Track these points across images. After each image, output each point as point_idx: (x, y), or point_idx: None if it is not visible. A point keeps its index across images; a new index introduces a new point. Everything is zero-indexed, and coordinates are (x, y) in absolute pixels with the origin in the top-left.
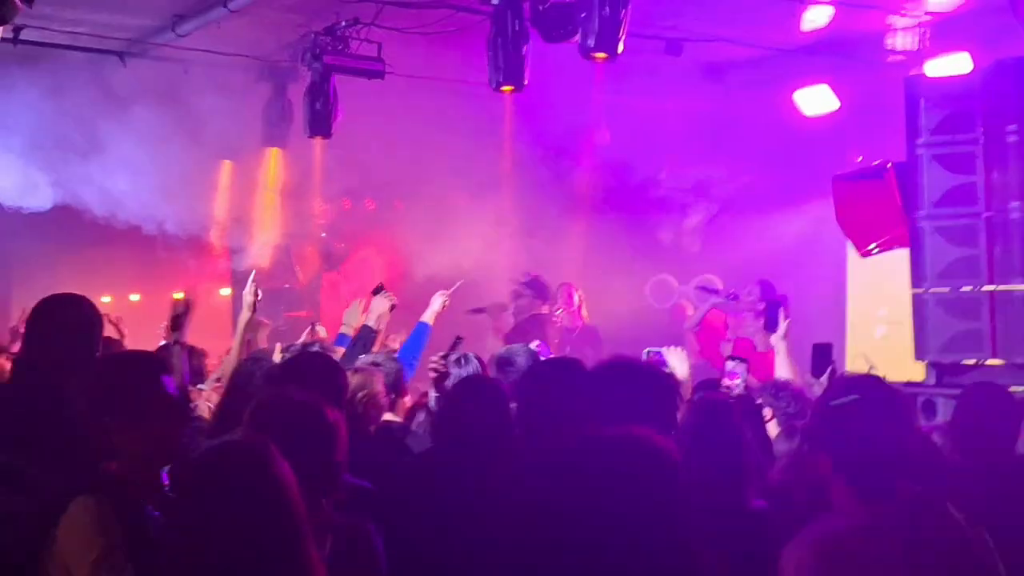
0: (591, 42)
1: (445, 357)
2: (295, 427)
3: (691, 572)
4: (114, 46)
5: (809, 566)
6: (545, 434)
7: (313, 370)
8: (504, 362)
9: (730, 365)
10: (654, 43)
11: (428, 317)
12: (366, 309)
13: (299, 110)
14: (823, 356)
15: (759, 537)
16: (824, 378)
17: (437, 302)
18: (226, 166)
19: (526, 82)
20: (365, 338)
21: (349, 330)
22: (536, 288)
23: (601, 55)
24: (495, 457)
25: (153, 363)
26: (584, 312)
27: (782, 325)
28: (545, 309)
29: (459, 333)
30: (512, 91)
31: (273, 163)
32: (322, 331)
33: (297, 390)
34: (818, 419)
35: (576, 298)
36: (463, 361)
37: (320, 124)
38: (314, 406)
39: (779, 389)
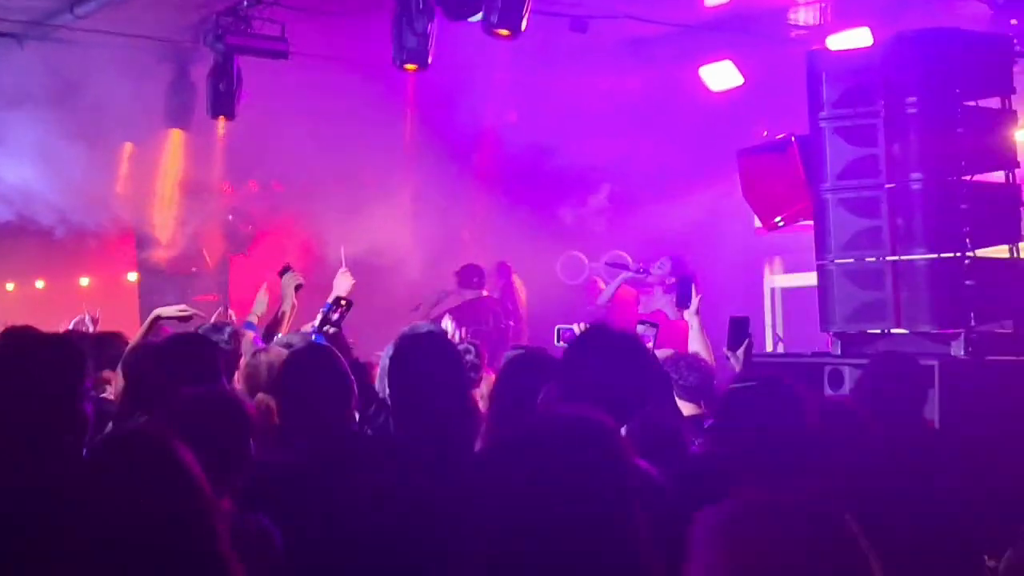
0: (494, 19)
1: None
2: (206, 415)
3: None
4: (11, 28)
5: (706, 541)
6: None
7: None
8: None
9: (640, 329)
10: (559, 21)
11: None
12: (273, 295)
13: (203, 92)
14: (740, 329)
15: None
16: (740, 351)
17: (345, 280)
18: (127, 149)
19: (430, 61)
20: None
21: (254, 318)
22: (464, 276)
23: (504, 32)
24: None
25: None
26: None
27: (694, 300)
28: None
29: None
30: (416, 70)
31: (176, 145)
32: (232, 315)
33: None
34: (721, 401)
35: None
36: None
37: (224, 105)
38: (228, 395)
39: (680, 359)
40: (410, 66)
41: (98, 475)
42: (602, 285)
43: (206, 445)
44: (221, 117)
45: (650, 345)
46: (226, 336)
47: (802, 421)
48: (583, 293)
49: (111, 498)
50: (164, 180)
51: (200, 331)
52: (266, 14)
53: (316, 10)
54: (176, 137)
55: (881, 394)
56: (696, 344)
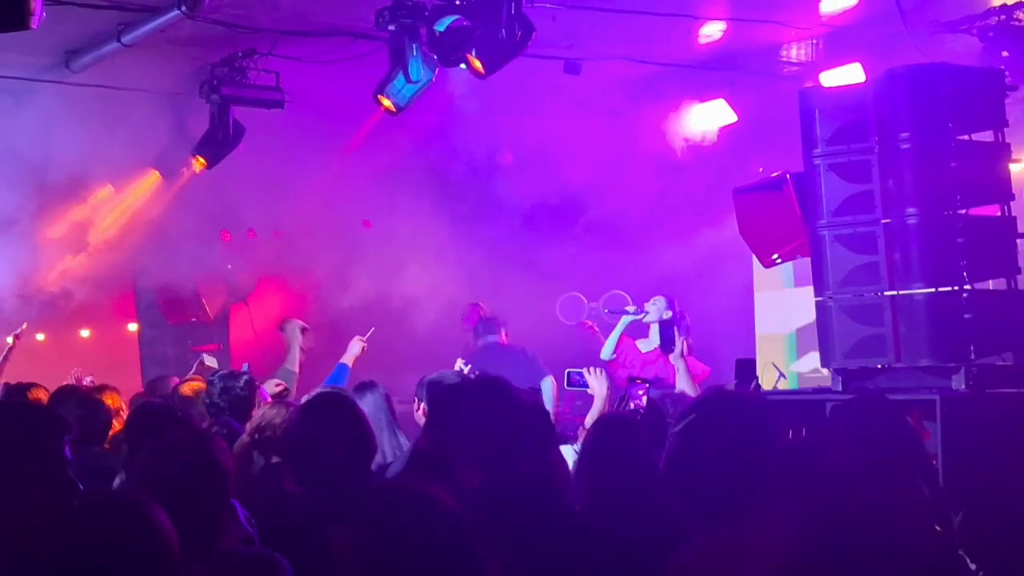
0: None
1: None
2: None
3: None
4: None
5: None
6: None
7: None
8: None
9: (634, 389)
10: (553, 63)
11: (347, 359)
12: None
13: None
14: (747, 371)
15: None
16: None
17: (356, 346)
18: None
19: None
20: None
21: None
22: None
23: (477, 64)
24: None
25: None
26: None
27: (678, 344)
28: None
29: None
30: (390, 110)
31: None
32: (212, 362)
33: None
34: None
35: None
36: None
37: (220, 154)
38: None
39: (666, 397)
40: (386, 102)
41: (72, 538)
42: (596, 328)
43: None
44: (197, 161)
45: (642, 401)
46: (241, 383)
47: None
48: (578, 333)
49: (85, 561)
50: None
51: (216, 377)
52: (261, 64)
53: (310, 59)
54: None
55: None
56: (683, 384)
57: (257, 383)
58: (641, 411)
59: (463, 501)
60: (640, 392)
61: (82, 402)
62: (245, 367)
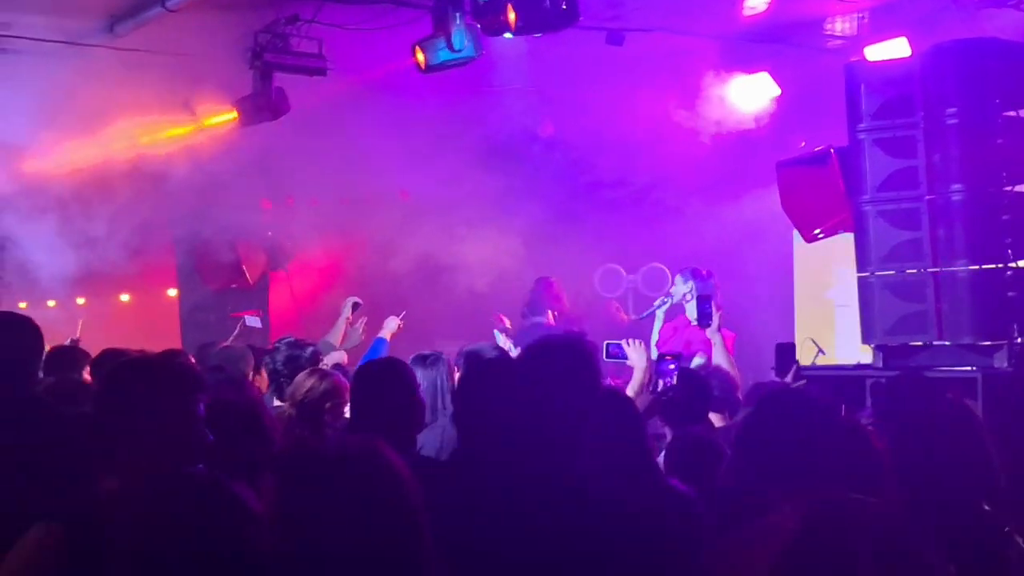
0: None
1: None
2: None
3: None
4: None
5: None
6: None
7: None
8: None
9: (664, 366)
10: (595, 34)
11: (385, 333)
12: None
13: (243, 109)
14: (787, 355)
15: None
16: (789, 376)
17: (392, 323)
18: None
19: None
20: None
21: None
22: (530, 305)
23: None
24: None
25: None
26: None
27: (715, 318)
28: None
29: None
30: (423, 63)
31: None
32: (256, 322)
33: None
34: (739, 427)
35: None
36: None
37: (259, 119)
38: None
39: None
40: (420, 55)
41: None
42: (616, 306)
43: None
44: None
45: (672, 379)
46: (307, 354)
47: (826, 432)
48: (608, 316)
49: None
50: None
51: (283, 343)
52: (303, 31)
53: (353, 27)
54: None
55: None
56: (720, 359)
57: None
58: (672, 388)
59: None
60: (671, 367)
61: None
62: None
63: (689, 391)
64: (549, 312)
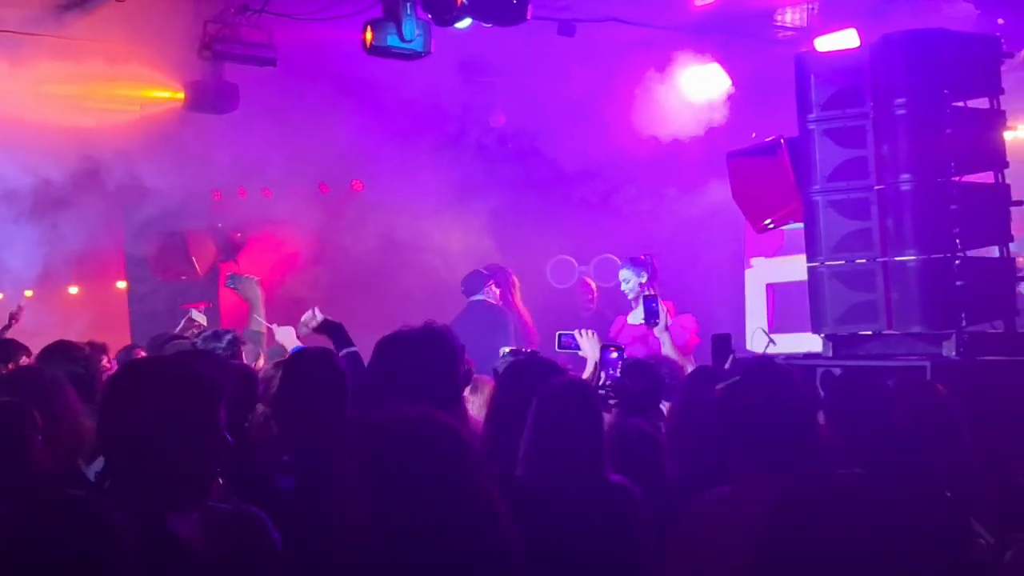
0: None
1: None
2: None
3: (503, 554)
4: None
5: (681, 528)
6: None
7: None
8: None
9: (607, 356)
10: (547, 25)
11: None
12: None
13: (191, 97)
14: (723, 345)
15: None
16: (726, 366)
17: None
18: None
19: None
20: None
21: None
22: (466, 283)
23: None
24: None
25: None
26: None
27: (662, 317)
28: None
29: None
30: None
31: None
32: (201, 318)
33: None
34: (714, 405)
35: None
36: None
37: (213, 111)
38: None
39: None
40: (368, 35)
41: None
42: (593, 286)
43: None
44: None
45: (617, 371)
46: (224, 344)
47: (800, 410)
48: (574, 295)
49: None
50: None
51: (200, 338)
52: (253, 21)
53: (303, 17)
54: None
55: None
56: (669, 355)
57: (242, 341)
58: (615, 380)
59: None
60: (614, 357)
61: (73, 359)
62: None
63: (641, 381)
64: (490, 290)
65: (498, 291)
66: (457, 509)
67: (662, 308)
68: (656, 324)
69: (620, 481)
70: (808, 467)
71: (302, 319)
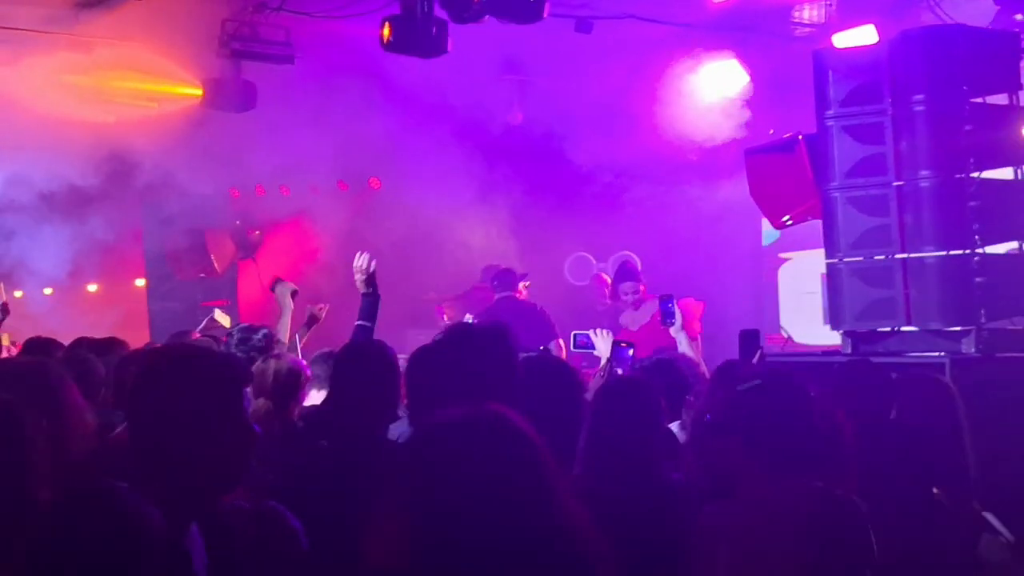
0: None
1: None
2: None
3: (574, 555)
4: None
5: (701, 544)
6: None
7: None
8: None
9: (620, 352)
10: (564, 22)
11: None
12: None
13: (210, 94)
14: (750, 341)
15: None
16: (754, 362)
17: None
18: None
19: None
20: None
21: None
22: (498, 279)
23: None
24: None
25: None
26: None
27: (677, 317)
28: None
29: None
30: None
31: None
32: (224, 319)
33: None
34: (727, 405)
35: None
36: None
37: (232, 109)
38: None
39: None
40: (386, 31)
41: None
42: (608, 281)
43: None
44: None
45: (627, 366)
46: (259, 336)
47: (810, 416)
48: (591, 292)
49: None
50: None
51: (236, 329)
52: (271, 19)
53: (320, 15)
54: None
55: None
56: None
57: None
58: (626, 376)
59: None
60: (629, 354)
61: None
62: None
63: (664, 378)
64: (519, 286)
65: (526, 288)
66: (531, 520)
67: (677, 309)
68: (672, 324)
69: (679, 478)
70: (825, 475)
71: (355, 263)
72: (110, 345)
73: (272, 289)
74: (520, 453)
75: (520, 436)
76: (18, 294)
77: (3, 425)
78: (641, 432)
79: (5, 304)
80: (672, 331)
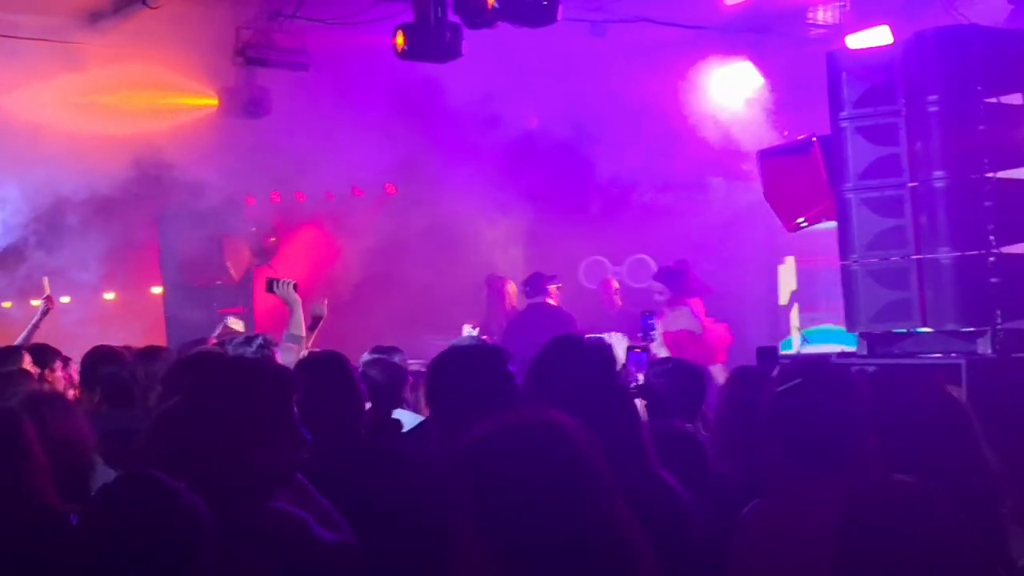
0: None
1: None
2: None
3: (628, 557)
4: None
5: (738, 541)
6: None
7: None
8: None
9: (635, 357)
10: (578, 26)
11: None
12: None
13: (225, 102)
14: (767, 358)
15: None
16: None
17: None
18: None
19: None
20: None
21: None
22: (529, 284)
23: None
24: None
25: None
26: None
27: (657, 336)
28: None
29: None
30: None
31: None
32: (238, 325)
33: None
34: (766, 406)
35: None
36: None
37: (247, 116)
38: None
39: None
40: (400, 39)
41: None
42: (616, 285)
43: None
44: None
45: (656, 334)
46: (254, 348)
47: (856, 404)
48: (599, 295)
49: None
50: None
51: (231, 346)
52: (285, 27)
53: (335, 21)
54: None
55: None
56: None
57: (275, 344)
58: (644, 380)
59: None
60: (654, 327)
61: (114, 361)
62: None
63: (684, 383)
64: (549, 290)
65: (556, 291)
66: (592, 523)
67: (659, 324)
68: (653, 340)
69: (666, 476)
70: (865, 471)
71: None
72: (156, 353)
73: (271, 290)
74: (577, 458)
75: (575, 441)
76: (35, 303)
77: (4, 432)
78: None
79: (49, 297)
80: (653, 347)
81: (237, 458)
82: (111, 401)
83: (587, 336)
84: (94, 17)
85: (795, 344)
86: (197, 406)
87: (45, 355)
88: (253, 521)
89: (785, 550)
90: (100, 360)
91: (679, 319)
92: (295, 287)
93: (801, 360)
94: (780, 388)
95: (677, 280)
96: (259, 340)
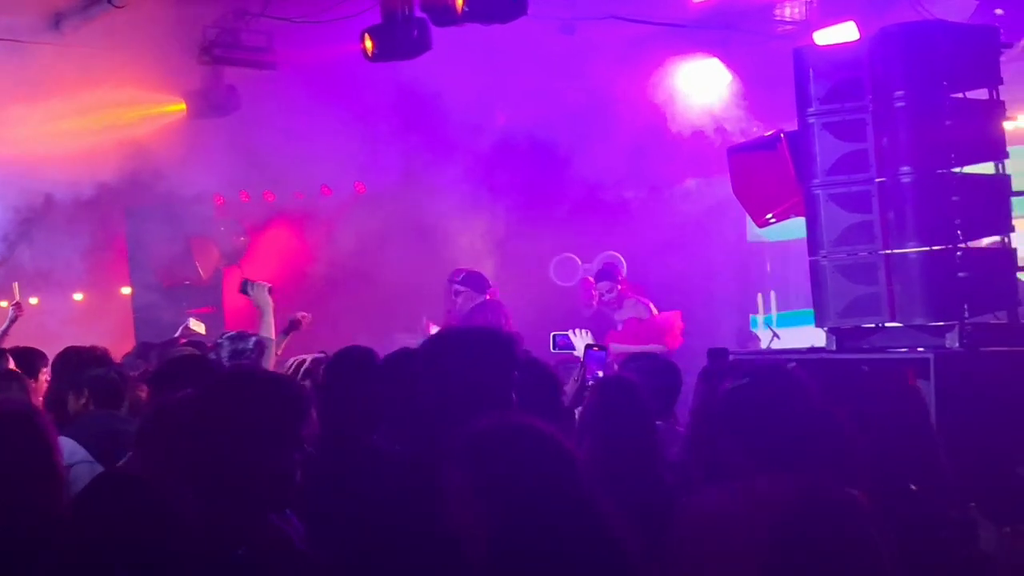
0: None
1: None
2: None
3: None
4: None
5: (678, 533)
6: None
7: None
8: None
9: (592, 355)
10: (547, 24)
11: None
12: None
13: (192, 102)
14: (719, 359)
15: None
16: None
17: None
18: None
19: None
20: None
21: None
22: (472, 283)
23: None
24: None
25: None
26: None
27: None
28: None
29: None
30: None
31: None
32: (199, 326)
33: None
34: (720, 403)
35: None
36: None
37: (214, 115)
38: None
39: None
40: (368, 43)
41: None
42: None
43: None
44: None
45: (600, 373)
46: (251, 345)
47: (803, 409)
48: (578, 295)
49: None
50: None
51: (225, 339)
52: (252, 25)
53: (301, 19)
54: None
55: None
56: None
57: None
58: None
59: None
60: (601, 357)
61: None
62: None
63: (658, 380)
64: (487, 291)
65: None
66: (567, 519)
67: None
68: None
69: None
70: (813, 472)
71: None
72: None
73: (243, 291)
74: (562, 457)
75: (558, 442)
76: (2, 304)
77: (27, 432)
78: (638, 430)
79: (18, 304)
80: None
81: (247, 470)
82: (99, 402)
83: (553, 334)
84: (59, 17)
85: (764, 339)
86: (211, 414)
87: (32, 360)
88: (252, 534)
89: (710, 547)
90: (86, 362)
91: (627, 310)
92: (270, 291)
93: (756, 361)
94: (730, 386)
95: (617, 276)
96: (255, 338)
